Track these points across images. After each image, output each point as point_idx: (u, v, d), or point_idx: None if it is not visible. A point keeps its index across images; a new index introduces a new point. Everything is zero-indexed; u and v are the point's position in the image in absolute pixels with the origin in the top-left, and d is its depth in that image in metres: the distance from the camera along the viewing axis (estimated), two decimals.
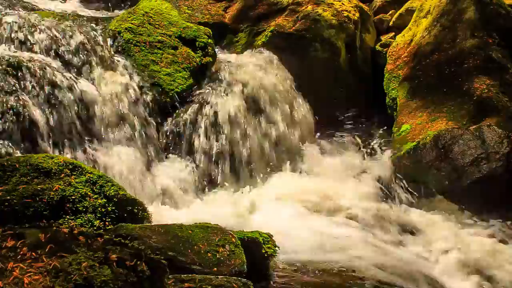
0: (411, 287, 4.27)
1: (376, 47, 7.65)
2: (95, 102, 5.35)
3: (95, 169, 4.42)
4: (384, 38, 7.69)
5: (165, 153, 5.71)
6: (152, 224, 3.95)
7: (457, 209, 5.50)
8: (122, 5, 8.25)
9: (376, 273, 4.34)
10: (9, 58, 5.13)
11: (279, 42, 6.99)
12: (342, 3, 7.25)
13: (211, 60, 6.39)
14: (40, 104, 4.99)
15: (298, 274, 4.17)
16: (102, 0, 8.69)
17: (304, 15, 7.04)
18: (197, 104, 5.96)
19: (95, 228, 3.52)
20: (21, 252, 2.46)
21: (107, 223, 3.66)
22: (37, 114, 4.87)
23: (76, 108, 5.20)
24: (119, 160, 5.21)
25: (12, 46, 5.45)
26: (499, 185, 5.37)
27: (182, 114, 5.88)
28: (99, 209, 3.66)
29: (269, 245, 3.94)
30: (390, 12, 7.92)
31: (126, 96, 5.60)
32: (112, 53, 5.91)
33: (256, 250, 3.84)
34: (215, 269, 3.45)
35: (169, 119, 5.84)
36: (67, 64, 5.54)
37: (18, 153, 4.53)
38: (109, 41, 5.97)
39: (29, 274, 2.31)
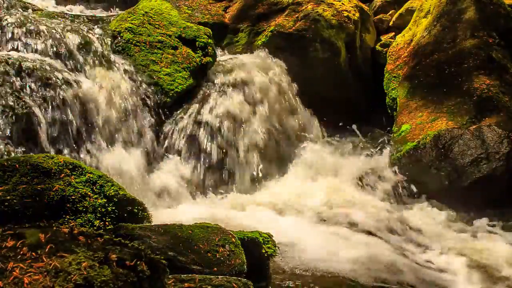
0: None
1: (376, 47, 7.66)
2: (95, 102, 5.35)
3: (95, 169, 4.41)
4: (384, 38, 7.69)
5: (166, 153, 5.70)
6: (152, 224, 3.94)
7: (457, 209, 5.50)
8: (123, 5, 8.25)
9: (376, 274, 4.34)
10: (9, 58, 5.13)
11: (279, 42, 6.99)
12: (342, 3, 7.25)
13: (211, 60, 6.39)
14: (40, 104, 4.98)
15: (298, 274, 4.17)
16: (102, 0, 8.70)
17: (304, 15, 7.04)
18: (197, 104, 5.96)
19: (95, 228, 3.51)
20: (21, 252, 2.46)
21: (107, 223, 3.65)
22: (37, 114, 4.87)
23: (76, 108, 5.19)
24: (119, 160, 5.21)
25: (12, 46, 5.45)
26: (499, 185, 5.37)
27: (182, 114, 5.88)
28: (99, 209, 3.66)
29: (269, 245, 3.93)
30: (390, 12, 7.93)
31: (126, 96, 5.59)
32: (112, 53, 5.91)
33: (256, 250, 3.84)
34: (215, 269, 3.45)
35: (169, 119, 5.83)
36: (67, 64, 5.53)
37: (18, 153, 4.53)
38: (109, 41, 5.97)
39: (29, 274, 2.31)
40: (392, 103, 6.74)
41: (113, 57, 5.86)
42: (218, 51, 6.89)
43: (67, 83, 5.22)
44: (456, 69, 6.22)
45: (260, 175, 5.98)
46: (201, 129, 5.81)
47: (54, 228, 2.74)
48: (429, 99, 6.25)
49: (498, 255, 4.77)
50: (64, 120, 5.09)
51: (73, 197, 3.59)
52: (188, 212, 5.11)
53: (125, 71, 5.78)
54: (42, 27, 5.68)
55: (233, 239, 3.69)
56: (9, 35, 5.51)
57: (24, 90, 4.96)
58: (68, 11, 7.64)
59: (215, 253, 3.55)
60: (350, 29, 7.14)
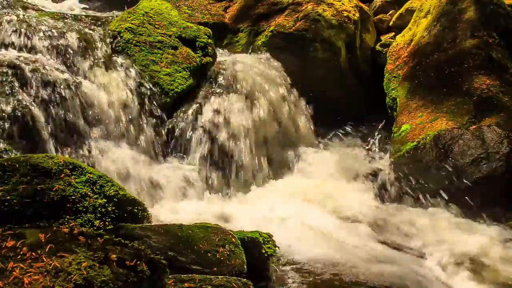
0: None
1: (376, 47, 7.66)
2: (95, 102, 5.35)
3: (95, 169, 4.41)
4: (384, 38, 7.69)
5: (166, 153, 5.70)
6: (152, 224, 3.95)
7: (457, 209, 5.50)
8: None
9: (376, 275, 4.34)
10: (9, 58, 5.13)
11: (279, 42, 7.00)
12: (342, 3, 7.25)
13: (211, 60, 6.39)
14: (40, 104, 4.98)
15: (299, 274, 4.17)
16: (102, 0, 8.70)
17: (304, 15, 7.04)
18: (197, 104, 5.96)
19: (95, 228, 3.51)
20: (21, 252, 2.46)
21: (107, 223, 3.65)
22: (37, 114, 4.87)
23: (76, 108, 5.19)
24: (119, 160, 5.21)
25: (12, 47, 5.45)
26: (499, 185, 5.36)
27: (182, 114, 5.88)
28: (99, 209, 3.66)
29: (269, 245, 3.94)
30: (390, 12, 7.93)
31: (125, 96, 5.59)
32: (112, 53, 5.91)
33: (256, 250, 3.84)
34: (215, 269, 3.45)
35: (169, 119, 5.83)
36: (67, 64, 5.53)
37: (18, 153, 4.53)
38: (109, 41, 5.97)
39: (29, 274, 2.31)
40: (392, 103, 6.74)
41: (113, 57, 5.86)
42: (218, 51, 6.89)
43: (67, 83, 5.21)
44: (456, 69, 6.22)
45: (261, 174, 5.98)
46: (201, 129, 5.81)
47: (54, 228, 2.74)
48: (429, 99, 6.24)
49: (497, 255, 4.77)
50: (64, 120, 5.09)
51: (73, 197, 3.59)
52: (189, 210, 5.11)
53: (125, 71, 5.77)
54: (42, 27, 5.67)
55: (233, 239, 3.69)
56: (9, 35, 5.50)
57: (24, 90, 4.96)
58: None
59: (215, 253, 3.55)
60: (350, 29, 7.14)
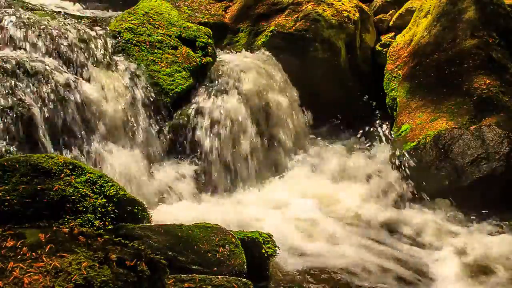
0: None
1: (376, 47, 7.65)
2: (95, 102, 5.35)
3: (96, 169, 4.41)
4: (384, 38, 7.69)
5: (166, 153, 5.70)
6: (152, 224, 3.95)
7: (457, 209, 5.50)
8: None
9: (375, 274, 4.35)
10: (10, 58, 5.13)
11: (279, 42, 6.99)
12: (342, 3, 7.25)
13: (211, 60, 6.39)
14: (40, 104, 4.98)
15: (299, 274, 4.17)
16: (101, 0, 8.70)
17: (304, 15, 7.04)
18: (197, 104, 5.96)
19: (95, 228, 3.52)
20: (21, 252, 2.46)
21: (107, 223, 3.66)
22: (37, 114, 4.87)
23: (76, 108, 5.19)
24: (119, 160, 5.21)
25: (12, 46, 5.45)
26: (499, 185, 5.37)
27: (182, 114, 5.87)
28: (99, 209, 3.66)
29: (269, 245, 3.94)
30: (390, 12, 7.93)
31: (126, 96, 5.59)
32: (112, 53, 5.90)
33: (256, 250, 3.84)
34: (215, 269, 3.45)
35: (170, 119, 5.83)
36: (66, 64, 5.53)
37: (18, 153, 4.53)
38: (109, 41, 5.97)
39: (29, 274, 2.31)
40: (392, 103, 6.74)
41: (113, 57, 5.86)
42: (218, 51, 6.89)
43: (67, 83, 5.21)
44: (456, 69, 6.22)
45: (260, 175, 5.98)
46: (201, 129, 5.81)
47: (54, 228, 2.74)
48: (429, 99, 6.25)
49: (497, 255, 4.77)
50: (64, 120, 5.09)
51: (73, 197, 3.59)
52: (189, 211, 5.11)
53: (125, 71, 5.77)
54: (43, 27, 5.67)
55: (233, 239, 3.69)
56: (9, 35, 5.50)
57: (24, 90, 4.96)
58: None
59: (215, 253, 3.56)
60: (350, 29, 7.14)
